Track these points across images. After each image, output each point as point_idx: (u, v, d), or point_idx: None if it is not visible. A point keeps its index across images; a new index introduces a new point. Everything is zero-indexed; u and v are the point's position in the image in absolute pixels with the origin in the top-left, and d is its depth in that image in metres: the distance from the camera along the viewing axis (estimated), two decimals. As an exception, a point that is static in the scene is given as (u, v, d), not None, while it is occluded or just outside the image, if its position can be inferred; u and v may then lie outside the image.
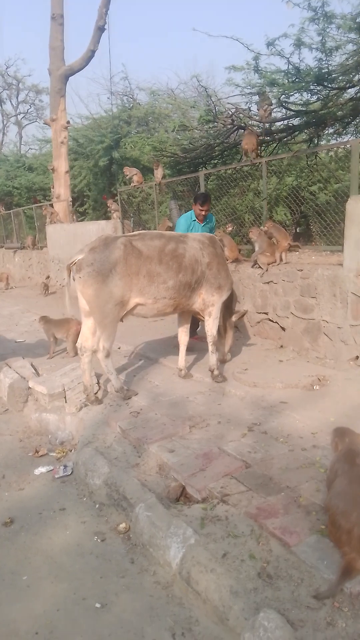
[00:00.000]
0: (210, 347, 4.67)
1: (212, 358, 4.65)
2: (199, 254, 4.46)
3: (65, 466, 3.44)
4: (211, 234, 5.07)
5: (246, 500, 2.69)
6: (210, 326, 4.66)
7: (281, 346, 5.63)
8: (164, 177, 8.80)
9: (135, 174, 9.71)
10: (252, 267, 6.07)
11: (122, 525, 2.75)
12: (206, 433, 3.57)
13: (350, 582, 2.03)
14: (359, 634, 1.84)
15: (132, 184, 9.51)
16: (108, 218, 10.40)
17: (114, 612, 2.17)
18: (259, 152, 7.22)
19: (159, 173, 8.74)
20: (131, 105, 15.90)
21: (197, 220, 5.62)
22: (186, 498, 2.93)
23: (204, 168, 9.06)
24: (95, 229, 10.48)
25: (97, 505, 3.00)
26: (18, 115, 35.88)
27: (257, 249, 5.99)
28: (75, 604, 2.23)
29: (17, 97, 35.61)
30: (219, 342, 4.90)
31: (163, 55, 39.84)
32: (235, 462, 3.10)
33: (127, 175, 10.02)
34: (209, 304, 4.59)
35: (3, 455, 3.69)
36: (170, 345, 6.01)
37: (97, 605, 2.21)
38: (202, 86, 9.71)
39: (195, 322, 5.78)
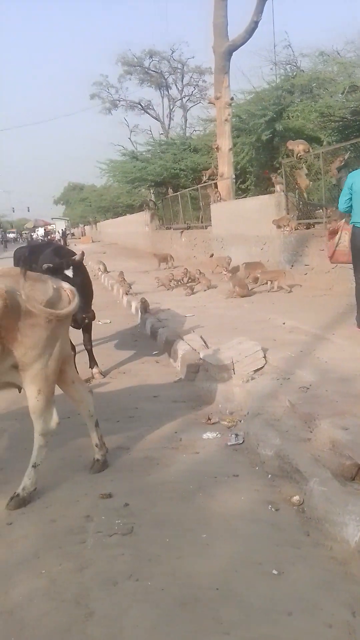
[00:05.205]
0: None
1: None
2: None
3: (236, 435, 3.54)
4: None
5: None
6: None
7: None
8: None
9: (301, 144, 9.37)
10: None
11: (296, 498, 2.73)
12: (384, 412, 3.35)
13: None
14: None
15: (297, 155, 9.19)
16: (270, 193, 10.23)
17: (289, 581, 2.18)
18: None
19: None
20: (294, 73, 15.28)
21: None
22: (362, 478, 2.80)
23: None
24: (257, 205, 10.42)
25: (269, 476, 3.03)
26: (183, 99, 37.15)
27: None
28: (251, 567, 2.29)
29: (181, 81, 36.89)
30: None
31: (326, 16, 37.20)
32: None
33: (290, 149, 9.71)
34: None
35: (179, 421, 3.93)
36: (336, 322, 5.76)
37: (274, 572, 2.24)
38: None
39: None
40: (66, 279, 4.50)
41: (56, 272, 4.49)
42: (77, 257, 4.81)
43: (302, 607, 2.04)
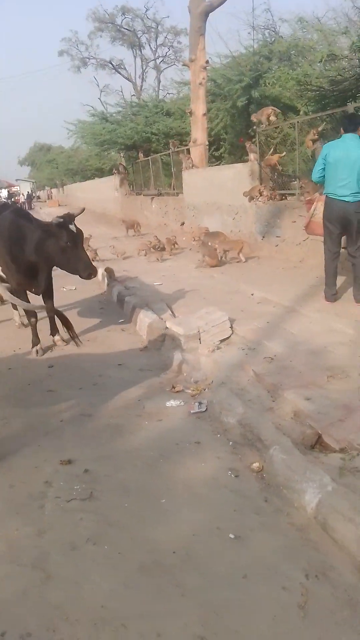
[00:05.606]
0: None
1: None
2: None
3: (200, 403, 3.54)
4: None
5: (390, 456, 2.53)
6: None
7: None
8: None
9: (265, 111, 9.24)
10: None
11: (256, 465, 2.77)
12: (346, 384, 3.41)
13: None
14: None
15: (268, 124, 9.05)
16: (245, 161, 10.08)
17: (248, 546, 2.22)
18: None
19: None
20: (273, 39, 14.93)
21: None
22: (322, 447, 2.85)
23: (352, 102, 8.26)
24: (231, 173, 10.27)
25: (230, 443, 3.05)
26: (157, 60, 35.96)
27: None
28: (210, 532, 2.31)
29: (155, 41, 35.65)
30: None
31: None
32: (378, 416, 2.93)
33: (256, 121, 9.55)
34: None
35: (143, 389, 3.91)
36: (305, 294, 5.79)
37: (232, 536, 2.27)
38: (356, 7, 8.71)
39: None
40: (71, 233, 4.50)
41: (63, 226, 4.48)
42: (77, 212, 4.81)
43: (259, 571, 2.08)
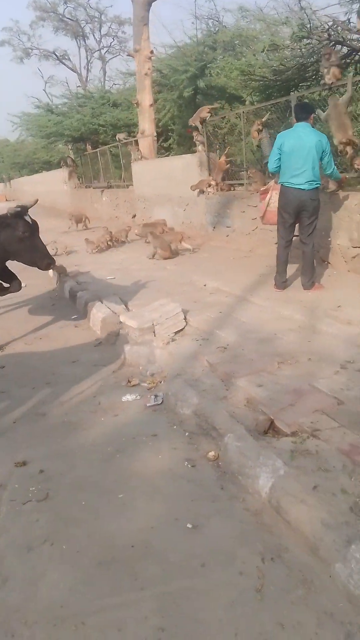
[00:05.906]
0: None
1: None
2: None
3: (156, 396, 3.55)
4: None
5: (338, 437, 2.63)
6: None
7: (378, 283, 5.30)
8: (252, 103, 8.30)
9: (202, 111, 9.33)
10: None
11: (212, 454, 2.81)
12: (296, 370, 3.50)
13: None
14: None
15: (207, 118, 9.13)
16: (193, 152, 10.10)
17: (205, 534, 2.25)
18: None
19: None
20: (217, 29, 14.96)
21: None
22: (274, 431, 2.91)
23: (296, 91, 8.40)
24: (181, 164, 10.26)
25: (187, 434, 3.08)
26: (101, 50, 35.36)
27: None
28: (168, 524, 2.33)
29: (99, 31, 35.05)
30: None
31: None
32: (326, 399, 3.02)
33: (193, 125, 9.61)
34: None
35: (98, 385, 3.88)
36: (256, 283, 5.89)
37: (189, 526, 2.30)
38: (295, -2, 8.83)
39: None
40: (27, 223, 4.45)
41: (18, 216, 4.42)
42: (29, 204, 4.73)
43: (216, 558, 2.12)
